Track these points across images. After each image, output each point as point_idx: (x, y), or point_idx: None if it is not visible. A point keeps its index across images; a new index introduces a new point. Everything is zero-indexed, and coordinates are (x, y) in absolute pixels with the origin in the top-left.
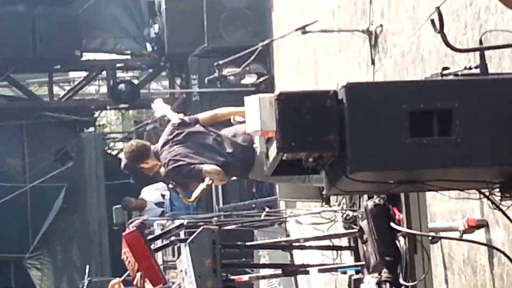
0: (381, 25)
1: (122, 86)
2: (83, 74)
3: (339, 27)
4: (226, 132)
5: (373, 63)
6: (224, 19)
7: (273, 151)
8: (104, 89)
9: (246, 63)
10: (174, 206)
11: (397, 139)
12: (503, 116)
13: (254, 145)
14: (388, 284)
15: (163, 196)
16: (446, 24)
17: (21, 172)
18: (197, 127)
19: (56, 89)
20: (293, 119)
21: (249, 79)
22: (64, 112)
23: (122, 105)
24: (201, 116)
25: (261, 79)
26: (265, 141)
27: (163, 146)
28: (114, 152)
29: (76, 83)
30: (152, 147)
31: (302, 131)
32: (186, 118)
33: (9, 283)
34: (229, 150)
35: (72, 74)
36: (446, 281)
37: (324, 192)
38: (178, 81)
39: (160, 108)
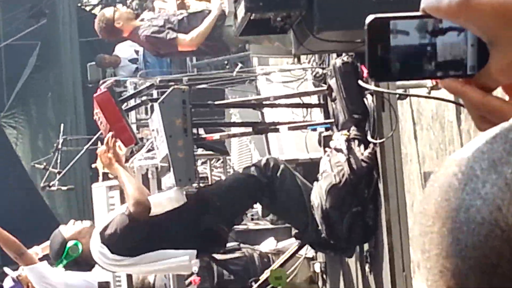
0: None
1: None
2: None
3: None
4: None
5: None
6: None
7: (241, 10)
8: None
9: None
10: (147, 63)
11: None
12: None
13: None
14: (356, 141)
15: (137, 52)
16: None
17: None
18: None
19: None
20: None
21: None
22: None
23: None
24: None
25: None
26: (234, 1)
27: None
28: (88, 8)
29: None
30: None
31: None
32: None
33: None
34: None
35: None
36: (415, 137)
37: (292, 51)
38: None
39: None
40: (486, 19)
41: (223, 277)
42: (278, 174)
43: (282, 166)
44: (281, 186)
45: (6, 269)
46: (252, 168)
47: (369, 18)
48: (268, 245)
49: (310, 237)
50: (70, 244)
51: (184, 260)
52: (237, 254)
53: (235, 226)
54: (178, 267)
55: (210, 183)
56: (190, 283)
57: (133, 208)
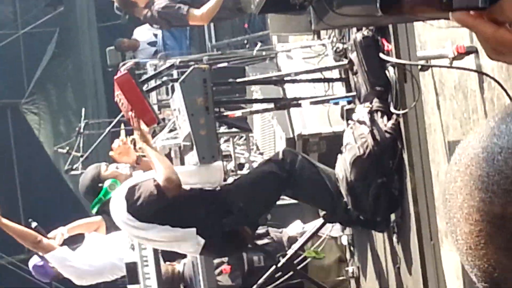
0: None
1: None
2: None
3: None
4: None
5: None
6: None
7: None
8: None
9: None
10: (167, 45)
11: None
12: None
13: None
14: (379, 113)
15: (155, 35)
16: None
17: (12, 18)
18: None
19: None
20: None
21: None
22: None
23: None
24: None
25: None
26: None
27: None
28: None
29: None
30: None
31: None
32: None
33: (7, 128)
34: None
35: None
36: (438, 107)
37: (312, 27)
38: None
39: None
40: None
41: (254, 264)
42: (296, 166)
43: (299, 157)
44: (302, 176)
45: None
46: (270, 164)
47: None
48: (295, 228)
49: (339, 217)
50: (107, 183)
51: (192, 247)
52: (265, 240)
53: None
54: (186, 250)
55: (233, 161)
56: (221, 272)
57: (164, 184)
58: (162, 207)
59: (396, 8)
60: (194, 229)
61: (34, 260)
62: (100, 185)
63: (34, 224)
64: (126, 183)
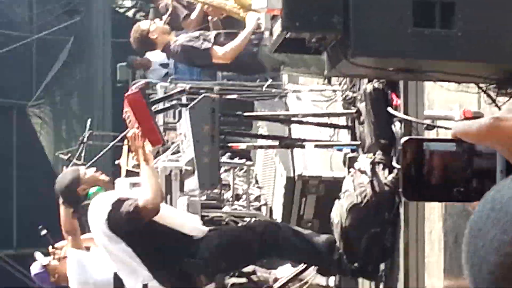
0: None
1: None
2: None
3: None
4: None
5: None
6: None
7: (277, 28)
8: None
9: None
10: (178, 69)
11: (399, 27)
12: (505, 14)
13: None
14: (381, 165)
15: (168, 57)
16: None
17: (27, 22)
18: None
19: None
20: None
21: None
22: None
23: None
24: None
25: None
26: (270, 18)
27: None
28: (121, 10)
29: None
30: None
31: (307, 11)
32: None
33: (11, 128)
34: None
35: None
36: None
37: (324, 73)
38: None
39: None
40: None
41: None
42: (280, 240)
43: (281, 230)
44: (286, 246)
45: (37, 254)
46: (248, 233)
47: (404, 139)
48: (284, 271)
49: (332, 273)
50: (93, 190)
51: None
52: (251, 279)
53: None
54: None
55: (231, 191)
56: None
57: (143, 204)
58: (134, 229)
59: (419, 199)
60: (148, 274)
61: (35, 268)
62: (78, 188)
63: (43, 232)
64: (118, 193)
